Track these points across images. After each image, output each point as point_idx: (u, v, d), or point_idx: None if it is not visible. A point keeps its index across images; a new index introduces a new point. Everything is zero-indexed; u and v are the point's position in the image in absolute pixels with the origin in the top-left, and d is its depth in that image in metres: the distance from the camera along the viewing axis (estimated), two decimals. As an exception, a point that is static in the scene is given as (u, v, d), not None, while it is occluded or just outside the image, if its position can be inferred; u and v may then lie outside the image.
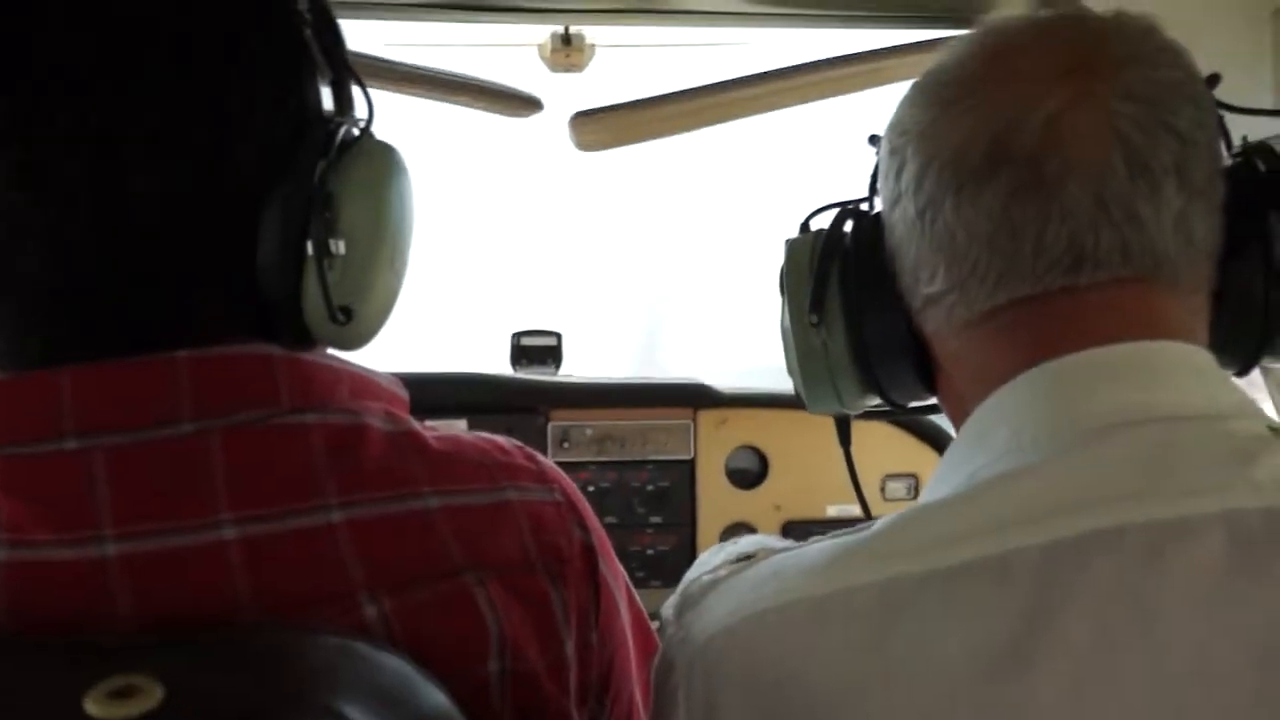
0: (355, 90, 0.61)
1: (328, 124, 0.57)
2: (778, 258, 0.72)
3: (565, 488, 0.63)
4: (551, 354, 1.71)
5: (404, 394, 0.62)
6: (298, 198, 0.54)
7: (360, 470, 0.54)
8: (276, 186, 0.54)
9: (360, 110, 0.60)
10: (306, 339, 0.56)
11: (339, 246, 0.54)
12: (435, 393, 1.51)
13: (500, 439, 0.62)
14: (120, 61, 0.51)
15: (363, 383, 0.59)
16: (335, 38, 0.60)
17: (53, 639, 0.47)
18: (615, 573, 0.65)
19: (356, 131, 0.58)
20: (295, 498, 0.52)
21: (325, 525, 0.52)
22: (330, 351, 0.60)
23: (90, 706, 0.41)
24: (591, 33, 1.18)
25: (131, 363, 0.52)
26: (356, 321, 0.56)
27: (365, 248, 0.56)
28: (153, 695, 0.42)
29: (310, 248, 0.54)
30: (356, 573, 0.52)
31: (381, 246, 0.57)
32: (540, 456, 0.63)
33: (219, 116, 0.53)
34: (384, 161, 0.58)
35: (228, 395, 0.53)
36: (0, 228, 0.51)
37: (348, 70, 0.60)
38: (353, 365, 0.60)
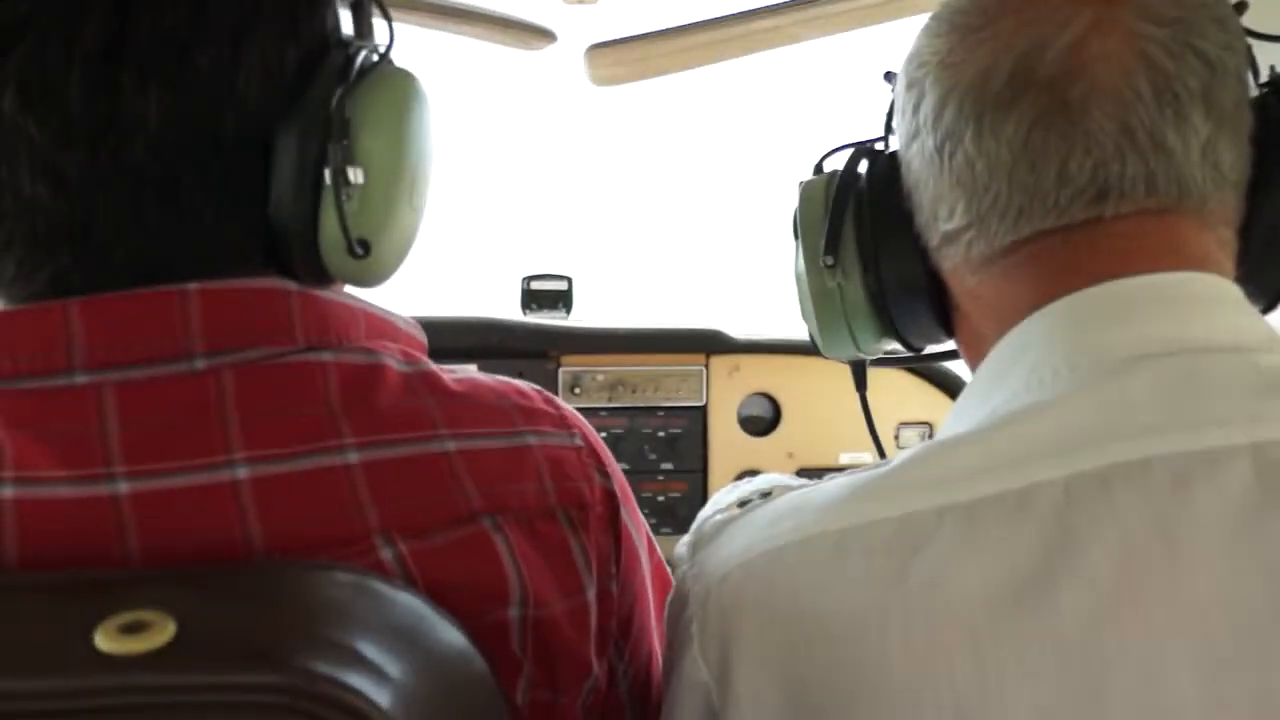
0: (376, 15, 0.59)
1: (346, 49, 0.55)
2: (793, 200, 0.71)
3: (586, 433, 0.62)
4: (562, 298, 1.70)
5: (422, 336, 0.62)
6: (313, 124, 0.52)
7: (377, 411, 0.53)
8: (291, 113, 0.52)
9: (380, 36, 0.59)
10: (323, 274, 0.55)
11: (356, 176, 0.53)
12: (445, 337, 1.50)
13: (519, 382, 0.61)
14: None
15: (380, 323, 0.58)
16: None
17: (61, 574, 0.47)
18: (636, 521, 0.65)
19: (375, 58, 0.56)
20: (310, 438, 0.51)
21: (341, 466, 0.51)
22: (347, 289, 0.59)
23: (100, 641, 0.41)
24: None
25: (141, 295, 0.51)
26: (374, 256, 0.55)
27: (384, 178, 0.54)
28: (165, 630, 0.41)
29: (327, 176, 0.52)
30: (372, 515, 0.51)
31: (401, 177, 0.55)
32: (560, 401, 0.62)
33: (221, 39, 0.51)
34: (404, 89, 0.56)
35: (241, 331, 0.52)
36: (7, 147, 0.50)
37: None
38: (370, 305, 0.58)
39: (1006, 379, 0.57)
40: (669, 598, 0.62)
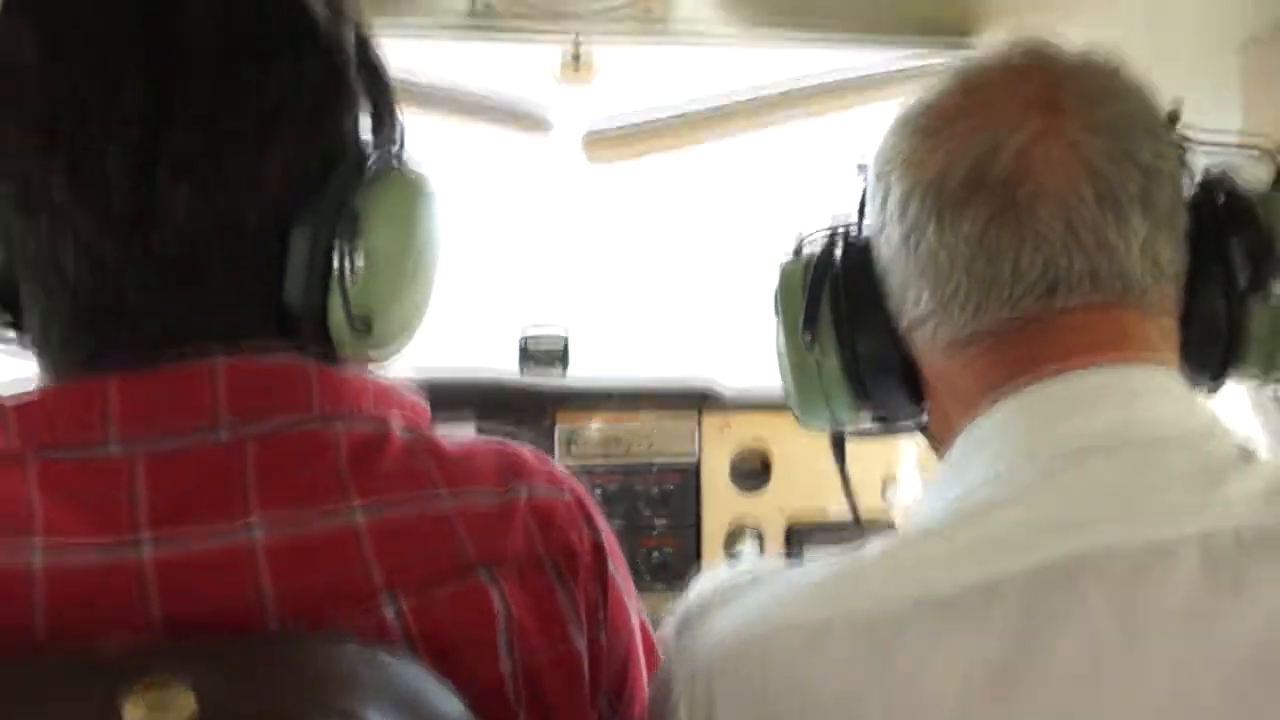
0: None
1: (363, 152, 0.60)
2: (775, 273, 0.74)
3: (575, 488, 0.65)
4: (559, 356, 1.72)
5: (425, 405, 0.65)
6: (325, 217, 0.57)
7: (381, 473, 0.57)
8: (307, 207, 0.57)
9: (398, 138, 0.63)
10: (331, 349, 0.59)
11: (361, 261, 0.57)
12: (443, 393, 1.51)
13: (512, 443, 0.65)
14: (157, 85, 0.54)
15: (386, 393, 0.62)
16: (379, 77, 0.63)
17: (86, 650, 0.49)
18: (624, 575, 0.67)
19: (391, 159, 0.61)
20: (321, 500, 0.54)
21: (349, 527, 0.54)
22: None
23: (127, 718, 0.43)
24: (600, 52, 1.20)
25: (172, 373, 0.55)
26: (377, 334, 0.59)
27: (387, 264, 0.58)
28: (186, 706, 0.44)
29: (335, 261, 0.57)
30: (377, 573, 0.54)
31: (403, 264, 0.60)
32: (553, 461, 0.66)
33: (249, 142, 0.56)
34: (411, 187, 0.61)
35: (264, 403, 0.56)
36: (56, 233, 0.55)
37: (387, 105, 0.63)
38: (377, 376, 0.62)
39: (970, 467, 0.60)
40: (654, 679, 0.65)
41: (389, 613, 0.53)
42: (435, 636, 0.54)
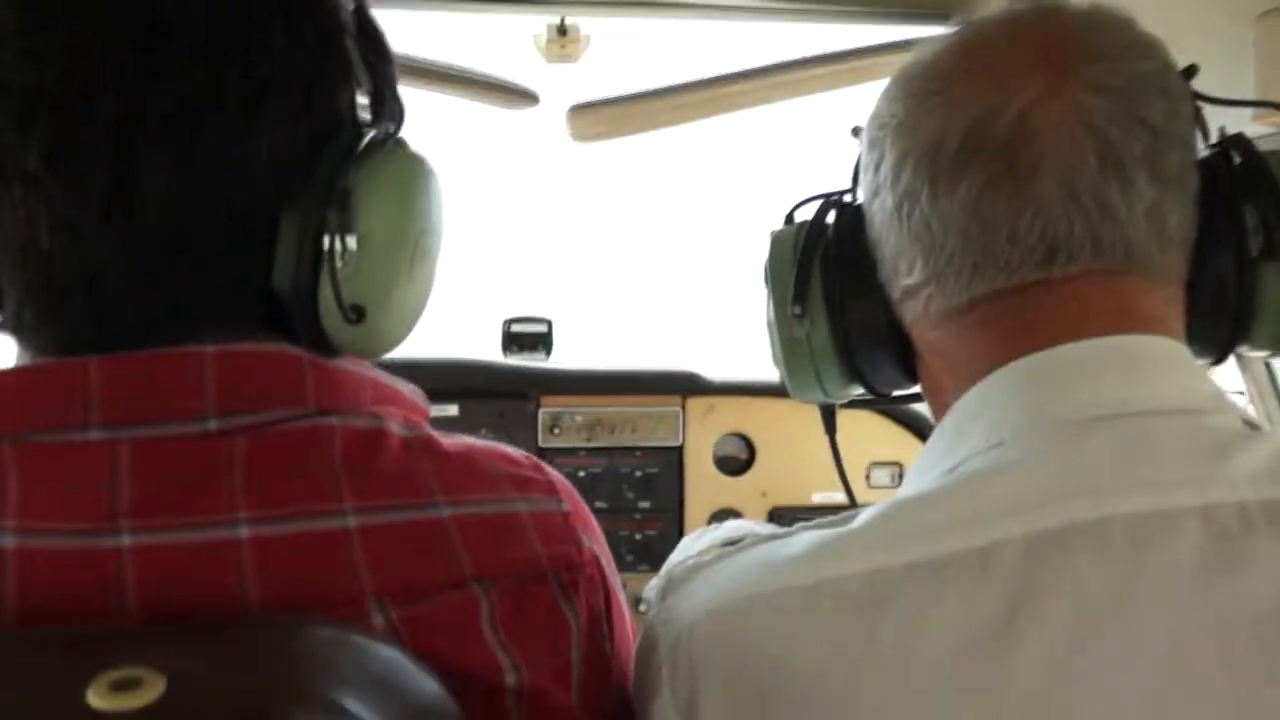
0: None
1: (358, 128, 0.57)
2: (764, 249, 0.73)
3: (571, 497, 0.63)
4: (542, 340, 1.73)
5: (425, 405, 0.63)
6: (315, 196, 0.54)
7: (376, 476, 0.55)
8: (297, 186, 0.54)
9: (397, 113, 0.60)
10: (324, 341, 0.56)
11: (353, 244, 0.54)
12: (428, 378, 1.50)
13: (509, 449, 0.63)
14: (140, 54, 0.52)
15: (385, 390, 0.60)
16: (378, 49, 0.60)
17: (54, 630, 0.48)
18: (618, 582, 0.66)
19: (388, 135, 0.58)
20: (311, 500, 0.53)
21: (340, 530, 0.52)
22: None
23: (93, 698, 0.42)
24: (587, 24, 1.19)
25: (159, 355, 0.53)
26: (372, 325, 0.56)
27: (381, 249, 0.56)
28: (154, 687, 0.42)
29: (325, 243, 0.54)
30: (366, 579, 0.52)
31: (400, 249, 0.57)
32: (548, 468, 0.64)
33: (234, 113, 0.53)
34: (408, 166, 0.58)
35: (256, 394, 0.54)
36: (30, 204, 0.52)
37: (385, 81, 0.60)
38: (377, 372, 0.60)
39: (967, 437, 0.58)
40: (639, 643, 0.63)
41: (377, 620, 0.52)
42: (428, 650, 0.52)
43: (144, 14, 0.52)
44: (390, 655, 0.49)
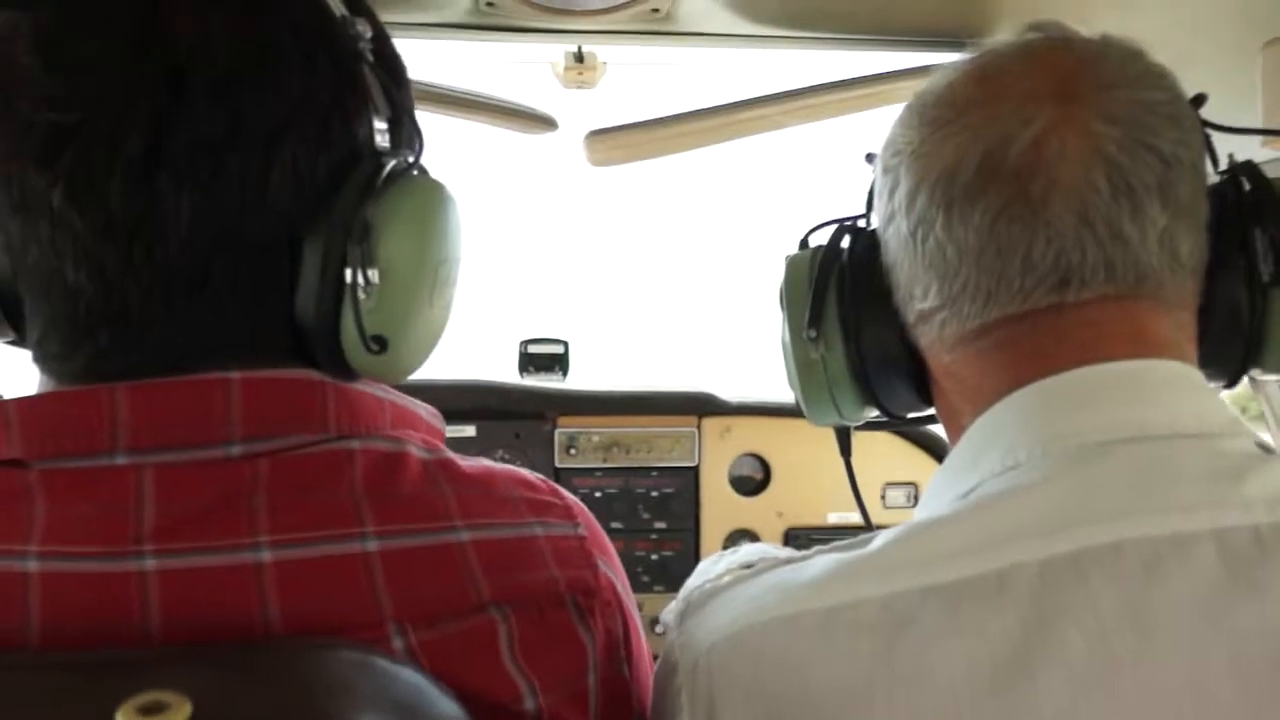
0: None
1: (378, 158, 0.57)
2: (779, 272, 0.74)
3: (589, 523, 0.64)
4: (559, 361, 1.74)
5: (442, 426, 0.63)
6: (336, 228, 0.54)
7: (396, 499, 0.55)
8: (318, 218, 0.55)
9: (416, 142, 0.61)
10: (346, 369, 0.57)
11: (375, 277, 0.55)
12: (445, 398, 1.53)
13: (527, 473, 0.63)
14: (162, 90, 0.52)
15: (404, 413, 0.60)
16: (395, 76, 0.61)
17: (81, 654, 0.48)
18: (635, 610, 0.66)
19: (408, 165, 0.58)
20: (333, 523, 0.53)
21: (361, 554, 0.53)
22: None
23: None
24: (604, 51, 1.21)
25: (185, 382, 0.53)
26: (393, 353, 0.56)
27: (402, 279, 0.56)
28: (181, 711, 0.43)
29: (348, 276, 0.54)
30: (387, 603, 0.52)
31: (420, 279, 0.57)
32: (565, 492, 0.65)
33: (254, 148, 0.54)
34: (428, 196, 0.58)
35: (279, 419, 0.54)
36: (56, 238, 0.53)
37: (403, 108, 0.60)
38: (396, 395, 0.61)
39: (982, 461, 0.59)
40: (657, 665, 0.63)
41: (397, 644, 0.52)
42: (448, 673, 0.52)
43: (166, 55, 0.52)
44: (412, 679, 0.50)
